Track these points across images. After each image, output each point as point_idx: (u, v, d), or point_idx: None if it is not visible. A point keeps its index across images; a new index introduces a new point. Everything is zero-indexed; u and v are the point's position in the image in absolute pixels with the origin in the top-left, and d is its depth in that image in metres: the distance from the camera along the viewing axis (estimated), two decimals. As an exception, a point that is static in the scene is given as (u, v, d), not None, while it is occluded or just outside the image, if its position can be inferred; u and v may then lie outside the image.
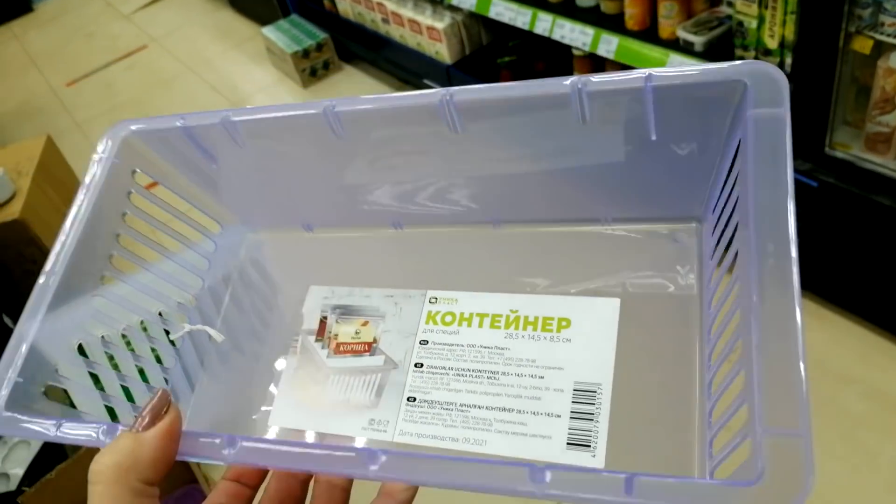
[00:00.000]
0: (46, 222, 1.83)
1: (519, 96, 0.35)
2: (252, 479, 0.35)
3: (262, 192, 0.47)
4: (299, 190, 0.46)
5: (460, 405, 0.38)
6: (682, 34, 1.29)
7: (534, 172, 0.41)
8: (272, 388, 0.43)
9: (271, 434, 0.41)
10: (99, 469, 0.26)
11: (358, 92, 2.36)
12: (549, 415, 0.37)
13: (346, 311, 0.44)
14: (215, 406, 0.45)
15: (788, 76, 1.14)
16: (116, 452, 0.27)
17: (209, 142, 0.42)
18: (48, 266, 0.38)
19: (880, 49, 1.01)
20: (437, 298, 0.42)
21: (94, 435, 0.30)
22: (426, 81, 2.06)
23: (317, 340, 0.44)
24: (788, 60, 1.15)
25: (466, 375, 0.39)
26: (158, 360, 0.44)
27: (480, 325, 0.41)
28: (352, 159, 0.42)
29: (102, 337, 0.41)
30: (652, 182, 0.39)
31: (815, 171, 1.16)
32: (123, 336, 0.42)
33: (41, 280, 0.37)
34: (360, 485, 0.36)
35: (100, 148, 0.42)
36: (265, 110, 0.39)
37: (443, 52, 1.92)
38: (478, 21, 1.91)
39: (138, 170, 0.43)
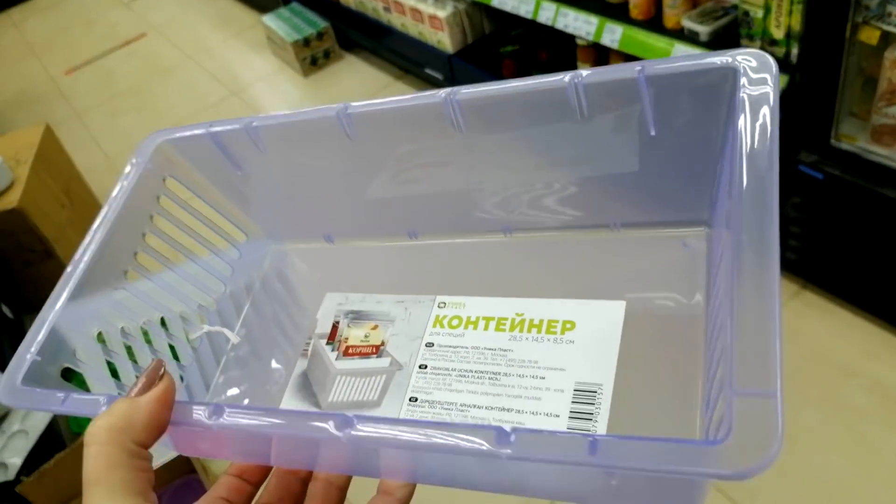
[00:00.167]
0: (45, 211, 1.82)
1: (518, 92, 0.36)
2: (254, 476, 0.35)
3: (287, 205, 0.49)
4: (320, 203, 0.48)
5: (461, 405, 0.39)
6: (688, 24, 1.28)
7: (542, 177, 0.41)
8: (283, 388, 0.44)
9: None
10: (94, 431, 0.27)
11: (359, 81, 2.35)
12: (547, 414, 0.37)
13: (357, 316, 0.45)
14: None
15: (794, 67, 1.14)
16: (111, 415, 0.28)
17: (234, 148, 0.44)
18: (76, 255, 0.39)
19: (887, 40, 1.00)
20: (445, 303, 0.43)
21: (98, 407, 0.31)
22: (428, 71, 2.05)
23: (328, 343, 0.45)
24: (794, 51, 1.14)
25: (468, 376, 0.40)
26: (175, 357, 0.45)
27: (486, 328, 0.41)
28: (368, 168, 0.44)
29: (122, 328, 0.42)
30: (658, 184, 0.39)
31: (820, 163, 1.15)
32: (143, 330, 0.43)
33: (68, 269, 0.39)
34: (359, 485, 0.36)
35: (135, 154, 0.44)
36: (284, 116, 0.41)
37: (445, 41, 1.91)
38: (480, 10, 1.89)
39: (170, 176, 0.45)
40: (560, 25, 1.51)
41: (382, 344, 0.43)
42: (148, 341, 0.43)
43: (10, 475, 1.28)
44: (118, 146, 2.46)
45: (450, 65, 1.92)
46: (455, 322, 0.42)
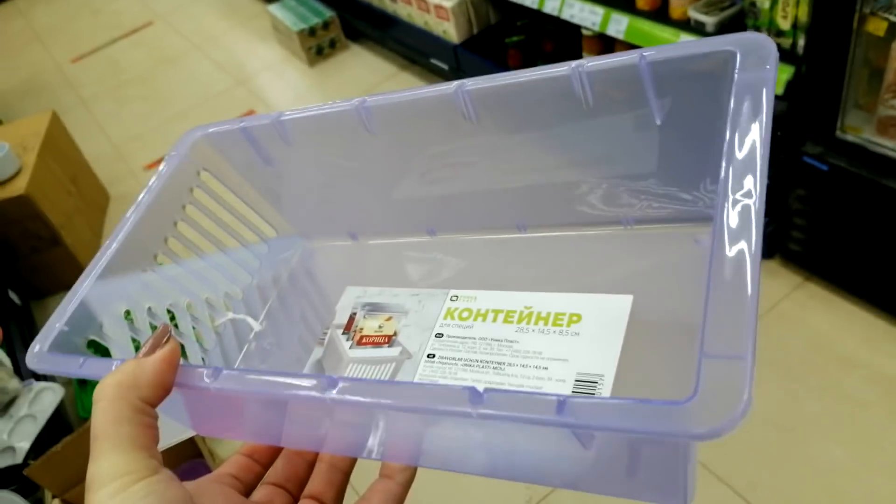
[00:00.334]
0: (52, 198, 1.83)
1: (524, 81, 0.37)
2: (263, 457, 0.36)
3: (315, 203, 0.51)
4: (346, 201, 0.50)
5: None
6: (694, 14, 1.28)
7: (555, 174, 0.42)
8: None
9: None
10: (102, 388, 0.28)
11: (364, 71, 2.35)
12: None
13: (373, 308, 0.46)
14: None
15: (801, 58, 1.14)
16: (119, 373, 0.29)
17: (264, 142, 0.46)
18: (112, 236, 0.42)
19: (894, 31, 1.00)
20: (457, 296, 0.44)
21: (112, 369, 0.32)
22: (433, 61, 2.05)
23: (343, 333, 0.46)
24: (801, 42, 1.14)
25: (474, 365, 0.40)
26: (199, 341, 0.46)
27: (494, 320, 0.42)
28: (388, 163, 0.45)
29: (149, 308, 0.43)
30: (669, 179, 0.40)
31: (825, 155, 1.15)
32: (169, 312, 0.45)
33: (102, 247, 0.41)
34: (361, 471, 0.37)
35: (175, 147, 0.46)
36: (309, 109, 0.43)
37: (450, 31, 1.91)
38: (486, 0, 1.89)
39: (204, 169, 0.47)
40: (566, 16, 1.51)
41: (395, 334, 0.44)
42: (173, 323, 0.45)
43: (19, 459, 1.29)
44: (124, 134, 2.47)
45: (455, 55, 1.92)
46: (465, 314, 0.43)
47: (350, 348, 0.45)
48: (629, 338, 0.38)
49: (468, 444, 0.33)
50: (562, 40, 1.78)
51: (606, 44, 1.58)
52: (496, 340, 0.41)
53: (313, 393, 0.28)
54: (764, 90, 0.29)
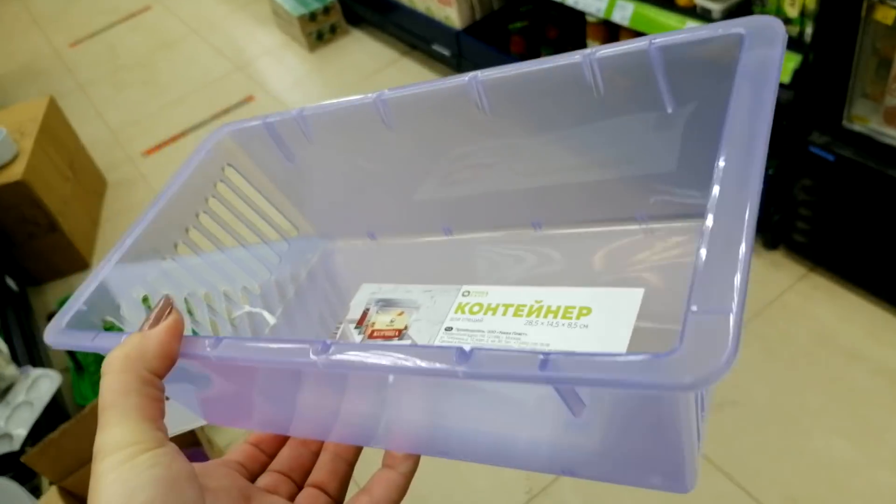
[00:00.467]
0: (49, 184, 1.81)
1: (536, 70, 0.37)
2: (269, 447, 0.37)
3: (336, 203, 0.52)
4: (365, 201, 0.51)
5: None
6: (700, 1, 1.26)
7: (569, 173, 0.43)
8: None
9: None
10: (109, 361, 0.29)
11: (365, 57, 2.33)
12: None
13: (386, 304, 0.47)
14: None
15: (808, 46, 1.12)
16: (125, 346, 0.29)
17: (286, 138, 0.47)
18: (135, 223, 0.43)
19: (904, 19, 0.99)
20: (469, 292, 0.45)
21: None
22: (435, 47, 2.03)
23: (356, 328, 0.47)
24: (809, 30, 1.12)
25: None
26: (215, 332, 0.47)
27: (504, 314, 0.42)
28: (406, 160, 0.46)
29: (167, 295, 0.43)
30: (683, 172, 0.40)
31: (831, 145, 1.14)
32: (186, 302, 0.45)
33: (125, 235, 0.42)
34: (365, 464, 0.37)
35: (203, 142, 0.48)
36: (329, 104, 0.44)
37: (453, 16, 1.89)
38: (489, -14, 1.87)
39: (228, 165, 0.48)
40: (570, 2, 1.49)
41: (405, 328, 0.44)
42: (190, 312, 0.45)
43: (16, 446, 1.29)
44: (122, 119, 2.45)
45: (457, 41, 1.90)
46: (476, 308, 0.43)
47: (361, 342, 0.45)
48: (638, 331, 0.38)
49: (470, 429, 0.33)
50: (566, 27, 1.76)
51: (611, 30, 1.56)
52: (504, 333, 0.41)
53: (308, 357, 0.28)
54: (769, 69, 0.29)
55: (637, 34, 1.46)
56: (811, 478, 1.09)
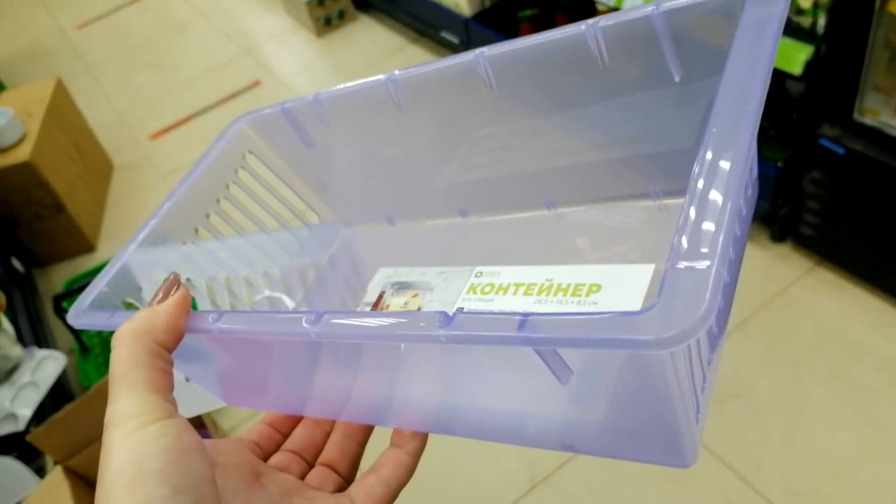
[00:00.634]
0: (56, 166, 1.81)
1: (541, 42, 0.37)
2: (284, 427, 0.37)
3: (356, 190, 0.53)
4: (383, 185, 0.52)
5: None
6: (712, -10, 1.25)
7: (579, 147, 0.43)
8: None
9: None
10: (119, 334, 0.30)
11: (373, 43, 2.32)
12: None
13: (402, 286, 0.47)
14: None
15: (820, 38, 1.11)
16: (134, 320, 0.30)
17: (303, 123, 0.48)
18: (157, 208, 0.44)
19: (919, 11, 0.98)
20: (482, 273, 0.45)
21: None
22: (443, 34, 2.02)
23: (371, 310, 0.47)
24: (822, 21, 1.11)
25: None
26: None
27: (515, 293, 0.42)
28: (420, 142, 0.46)
29: (188, 279, 0.45)
30: (695, 147, 0.39)
31: (842, 138, 1.13)
32: (207, 285, 0.46)
33: (146, 220, 0.43)
34: (374, 443, 0.37)
35: (224, 131, 0.48)
36: (343, 87, 0.44)
37: (462, 3, 1.87)
38: (499, -28, 1.86)
39: (250, 152, 0.49)
40: (580, -10, 1.48)
41: (418, 309, 0.45)
42: (210, 296, 0.46)
43: (21, 426, 1.29)
44: (129, 102, 2.45)
45: (466, 28, 1.89)
46: (487, 289, 0.43)
47: None
48: (647, 304, 0.38)
49: (474, 406, 0.33)
50: (576, 14, 1.75)
51: (621, 19, 1.55)
52: (514, 312, 0.41)
53: (298, 328, 0.29)
54: (770, 24, 0.28)
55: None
56: (814, 471, 1.09)
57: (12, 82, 2.59)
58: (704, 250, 0.21)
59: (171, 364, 0.30)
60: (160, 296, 0.32)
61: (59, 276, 1.87)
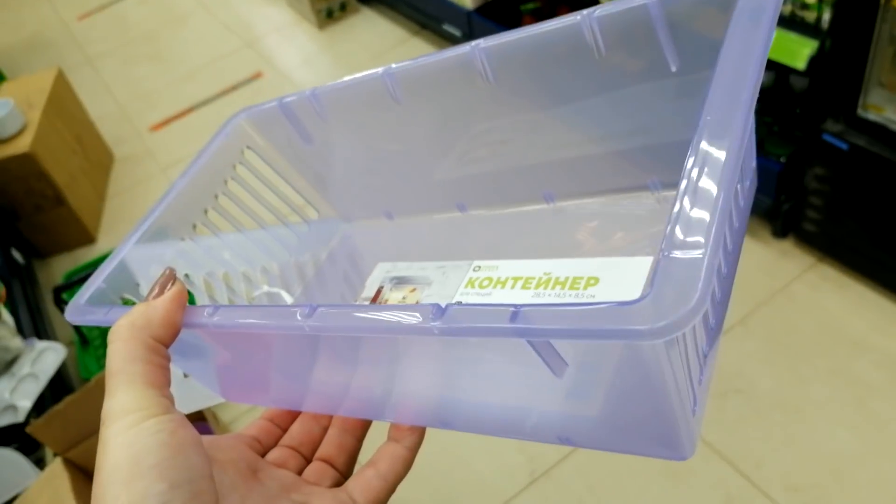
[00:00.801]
0: (56, 157, 1.81)
1: (535, 33, 0.37)
2: (283, 422, 0.37)
3: (355, 185, 0.53)
4: (382, 181, 0.52)
5: None
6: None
7: (577, 140, 0.43)
8: None
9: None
10: (116, 329, 0.30)
11: (375, 36, 2.31)
12: None
13: (400, 281, 0.47)
14: None
15: (826, 33, 1.10)
16: (131, 315, 0.30)
17: (301, 118, 0.47)
18: (155, 204, 0.44)
19: (925, 7, 0.97)
20: (480, 267, 0.45)
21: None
22: (445, 27, 2.01)
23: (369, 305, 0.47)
24: (827, 16, 1.11)
25: None
26: None
27: (513, 287, 0.42)
28: (418, 137, 0.46)
29: (186, 275, 0.45)
30: (691, 135, 0.39)
31: (845, 133, 1.12)
32: (206, 281, 0.46)
33: (145, 215, 0.43)
34: (371, 438, 0.37)
35: (222, 126, 0.48)
36: (341, 82, 0.44)
37: (464, -4, 1.87)
38: (501, -35, 1.85)
39: (249, 148, 0.49)
40: (584, -17, 1.47)
41: (416, 304, 0.44)
42: (208, 292, 0.46)
43: (20, 417, 1.29)
44: (130, 94, 2.44)
45: (469, 21, 1.89)
46: (485, 283, 0.44)
47: None
48: None
49: (472, 401, 0.33)
50: (577, 7, 1.74)
51: (624, 13, 1.54)
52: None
53: (293, 321, 0.29)
54: (763, 13, 0.28)
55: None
56: (814, 467, 1.09)
57: (13, 73, 2.59)
58: (697, 239, 0.21)
59: (167, 359, 0.30)
60: (156, 290, 0.32)
61: (59, 268, 1.87)
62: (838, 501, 1.05)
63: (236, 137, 0.48)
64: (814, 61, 1.11)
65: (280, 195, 0.51)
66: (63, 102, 1.99)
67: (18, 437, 1.26)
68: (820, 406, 1.15)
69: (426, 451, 0.35)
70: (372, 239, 0.54)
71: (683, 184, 0.23)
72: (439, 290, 0.45)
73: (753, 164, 0.39)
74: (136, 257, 0.41)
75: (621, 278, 0.39)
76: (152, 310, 0.31)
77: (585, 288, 0.40)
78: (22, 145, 1.72)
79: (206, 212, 0.46)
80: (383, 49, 2.25)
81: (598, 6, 0.35)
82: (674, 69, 0.35)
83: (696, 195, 0.22)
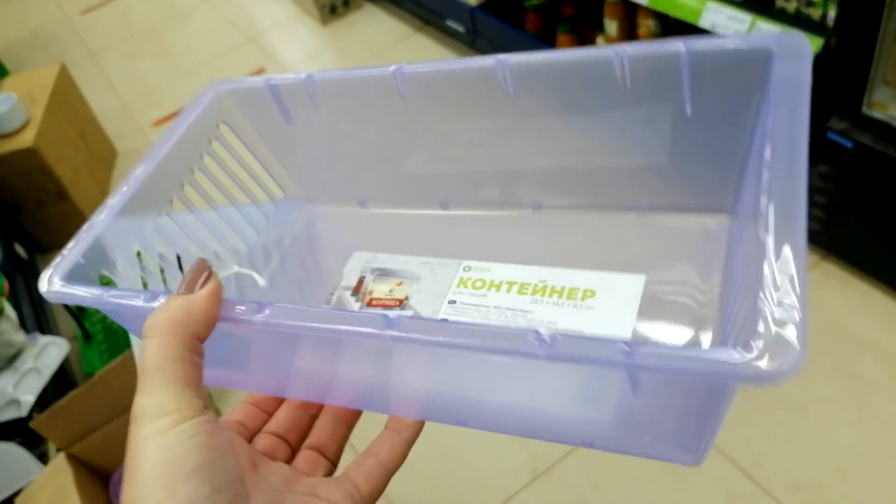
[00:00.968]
0: (59, 152, 1.81)
1: (569, 60, 0.38)
2: (268, 406, 0.37)
3: (327, 168, 0.52)
4: (360, 168, 0.50)
5: None
6: (721, -19, 1.24)
7: (575, 155, 0.43)
8: None
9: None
10: (153, 324, 0.28)
11: (378, 32, 2.31)
12: None
13: (383, 273, 0.47)
14: None
15: (830, 30, 1.10)
16: (170, 309, 0.29)
17: (289, 102, 0.46)
18: (129, 175, 0.42)
19: (931, 4, 0.97)
20: (470, 267, 0.45)
21: (138, 302, 0.33)
22: (449, 23, 2.00)
23: (352, 295, 0.46)
24: (832, 13, 1.10)
25: None
26: None
27: (508, 291, 0.43)
28: (414, 131, 0.46)
29: (160, 253, 0.44)
30: (688, 170, 0.41)
31: (850, 131, 1.12)
32: (178, 259, 0.45)
33: (122, 186, 0.41)
34: (361, 424, 0.37)
35: (197, 96, 0.47)
36: (342, 71, 0.44)
37: (467, -8, 1.86)
38: (505, -39, 1.84)
39: (223, 123, 0.48)
40: (588, -21, 1.47)
41: (406, 298, 0.44)
42: (181, 269, 0.45)
43: (23, 412, 1.30)
44: (133, 90, 2.44)
45: (472, 17, 1.88)
46: (479, 284, 0.44)
47: (360, 309, 0.45)
48: (641, 314, 0.39)
49: (480, 400, 0.34)
50: (583, 5, 1.74)
51: (629, 10, 1.53)
52: (511, 310, 0.42)
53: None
54: (800, 87, 0.30)
55: (655, 14, 1.44)
56: (816, 466, 1.08)
57: (16, 68, 2.59)
58: (791, 299, 0.24)
59: (203, 356, 0.29)
60: (187, 284, 0.30)
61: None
62: (840, 500, 1.05)
63: (213, 110, 0.47)
64: (819, 59, 1.10)
65: (250, 172, 0.50)
66: (66, 97, 1.99)
67: (22, 432, 1.26)
68: (822, 404, 1.15)
69: (427, 448, 0.35)
70: (342, 225, 0.53)
71: (766, 246, 0.26)
72: (429, 287, 0.45)
73: None
74: (114, 232, 0.40)
75: (617, 293, 0.40)
76: (193, 305, 0.29)
77: (583, 299, 0.41)
78: (25, 140, 1.72)
79: (182, 186, 0.45)
80: (386, 45, 2.24)
81: (630, 44, 0.36)
82: (689, 112, 0.37)
83: (781, 259, 0.25)
